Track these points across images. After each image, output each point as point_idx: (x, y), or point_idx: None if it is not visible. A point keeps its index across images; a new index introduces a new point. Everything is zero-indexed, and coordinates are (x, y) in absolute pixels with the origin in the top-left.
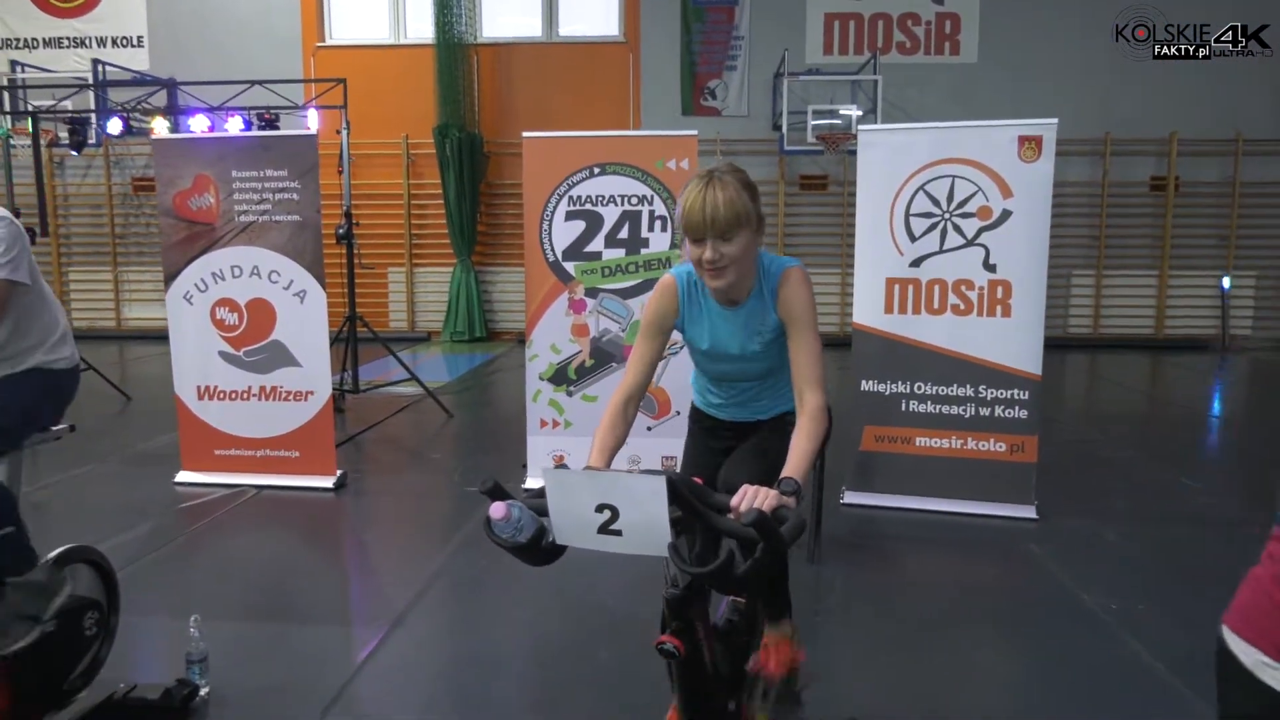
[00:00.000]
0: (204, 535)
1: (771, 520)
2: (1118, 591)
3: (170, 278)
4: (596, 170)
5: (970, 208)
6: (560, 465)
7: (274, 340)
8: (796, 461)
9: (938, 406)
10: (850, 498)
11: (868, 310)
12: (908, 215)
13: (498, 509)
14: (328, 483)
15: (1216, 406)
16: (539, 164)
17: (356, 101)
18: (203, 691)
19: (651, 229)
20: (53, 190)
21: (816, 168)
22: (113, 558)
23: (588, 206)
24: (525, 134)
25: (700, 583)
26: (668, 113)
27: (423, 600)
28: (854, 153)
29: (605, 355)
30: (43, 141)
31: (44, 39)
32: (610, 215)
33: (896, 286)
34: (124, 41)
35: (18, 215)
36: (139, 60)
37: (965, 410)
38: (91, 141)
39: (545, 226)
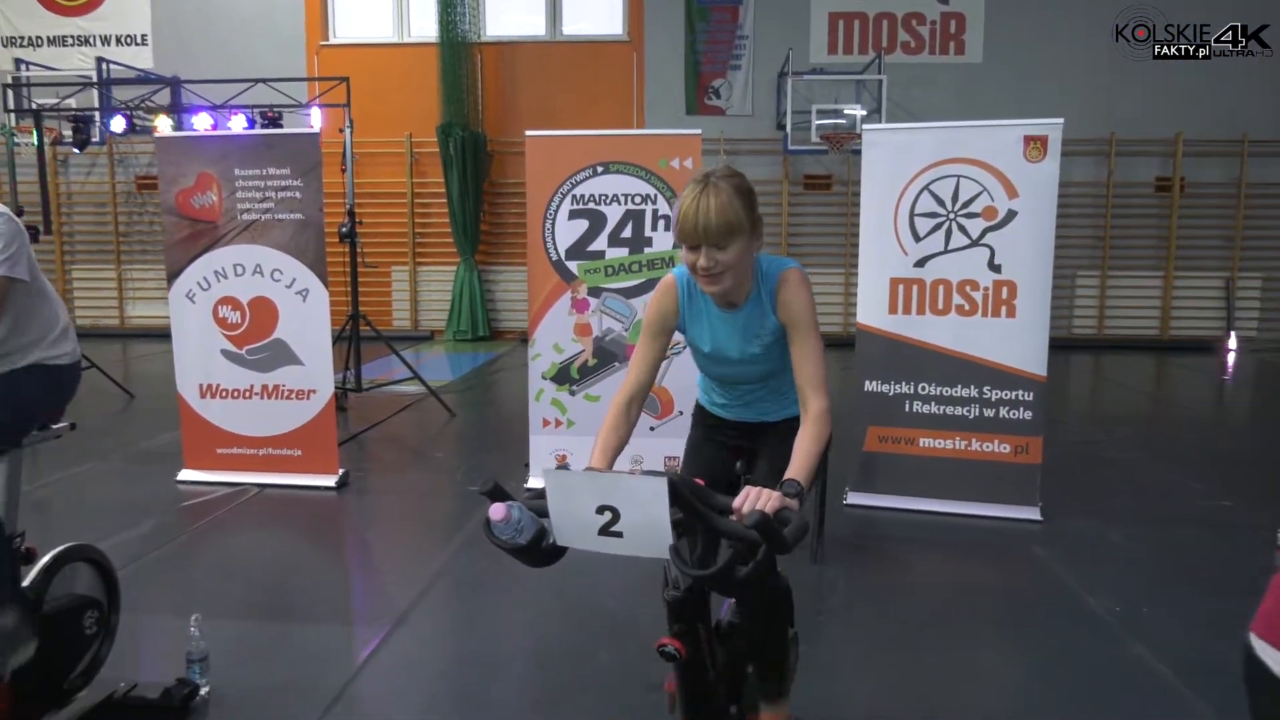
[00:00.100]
0: (205, 534)
1: (774, 522)
2: (1122, 594)
3: (173, 276)
4: (600, 169)
5: (975, 208)
6: (562, 465)
7: (276, 339)
8: (800, 463)
9: (942, 407)
10: (853, 498)
11: (872, 310)
12: (912, 215)
13: (497, 510)
14: (330, 481)
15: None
16: (542, 163)
17: (360, 100)
18: (203, 691)
19: (655, 228)
20: (56, 188)
21: (821, 167)
22: (114, 556)
23: (591, 205)
24: (528, 133)
25: (701, 585)
26: (671, 112)
27: (425, 600)
28: (858, 152)
29: (608, 355)
30: (47, 140)
31: (48, 37)
32: (613, 214)
33: (901, 287)
34: (128, 40)
35: (21, 213)
36: (143, 58)
37: (969, 411)
38: (95, 140)
39: (548, 225)
